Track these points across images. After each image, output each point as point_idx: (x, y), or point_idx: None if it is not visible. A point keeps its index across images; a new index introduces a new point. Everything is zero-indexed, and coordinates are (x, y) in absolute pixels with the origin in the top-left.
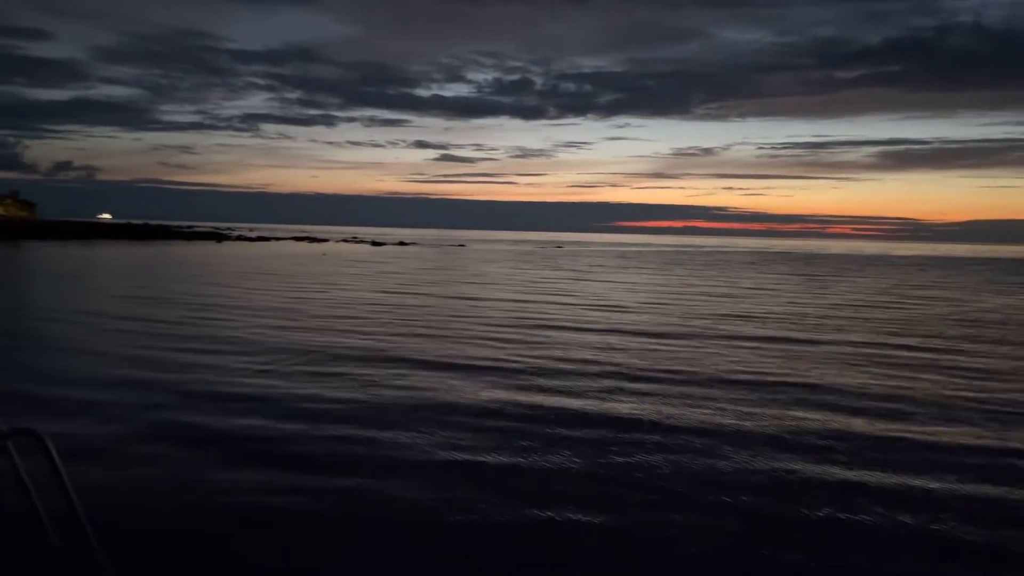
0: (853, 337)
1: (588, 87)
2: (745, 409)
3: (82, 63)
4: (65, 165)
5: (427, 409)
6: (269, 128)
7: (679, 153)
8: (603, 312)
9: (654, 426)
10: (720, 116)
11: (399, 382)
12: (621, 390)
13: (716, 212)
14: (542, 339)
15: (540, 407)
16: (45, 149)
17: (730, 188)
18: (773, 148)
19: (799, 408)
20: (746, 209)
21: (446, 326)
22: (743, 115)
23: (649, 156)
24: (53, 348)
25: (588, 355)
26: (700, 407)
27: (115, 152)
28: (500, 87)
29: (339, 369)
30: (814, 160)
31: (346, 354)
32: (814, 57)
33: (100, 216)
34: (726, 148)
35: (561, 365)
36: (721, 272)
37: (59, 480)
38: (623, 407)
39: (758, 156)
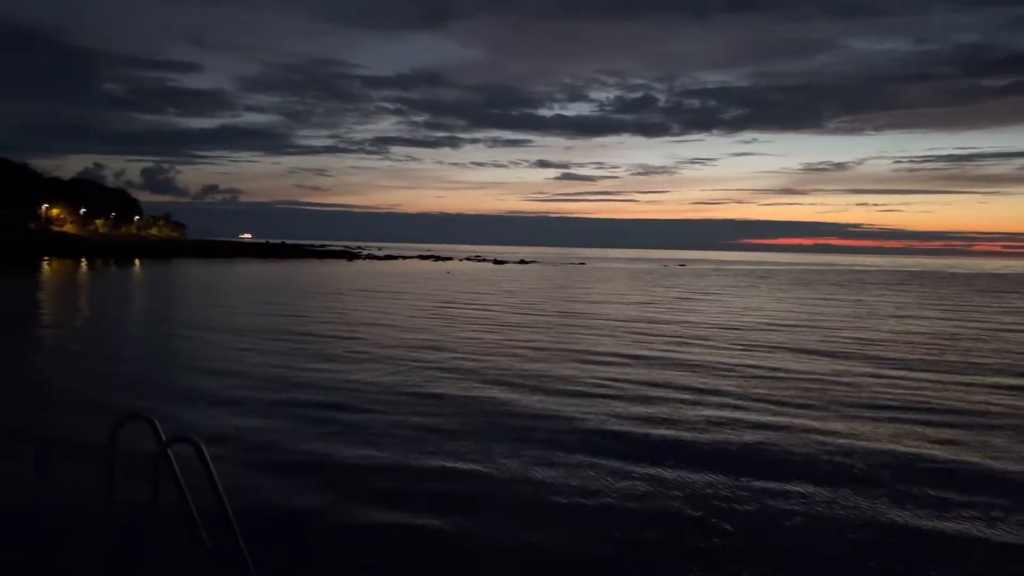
0: (1011, 380)
1: (713, 103)
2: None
3: (228, 93)
4: (212, 188)
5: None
6: (398, 151)
7: (809, 168)
8: (733, 340)
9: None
10: (854, 129)
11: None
12: (757, 450)
13: (850, 229)
14: (658, 380)
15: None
16: (195, 174)
17: (864, 204)
18: (911, 162)
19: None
20: (882, 226)
21: (559, 353)
22: (878, 128)
23: (777, 172)
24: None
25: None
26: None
27: (256, 175)
28: (622, 105)
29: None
30: (958, 173)
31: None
32: (957, 65)
33: (241, 236)
34: (860, 163)
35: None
36: (858, 293)
37: (212, 484)
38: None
39: (895, 170)
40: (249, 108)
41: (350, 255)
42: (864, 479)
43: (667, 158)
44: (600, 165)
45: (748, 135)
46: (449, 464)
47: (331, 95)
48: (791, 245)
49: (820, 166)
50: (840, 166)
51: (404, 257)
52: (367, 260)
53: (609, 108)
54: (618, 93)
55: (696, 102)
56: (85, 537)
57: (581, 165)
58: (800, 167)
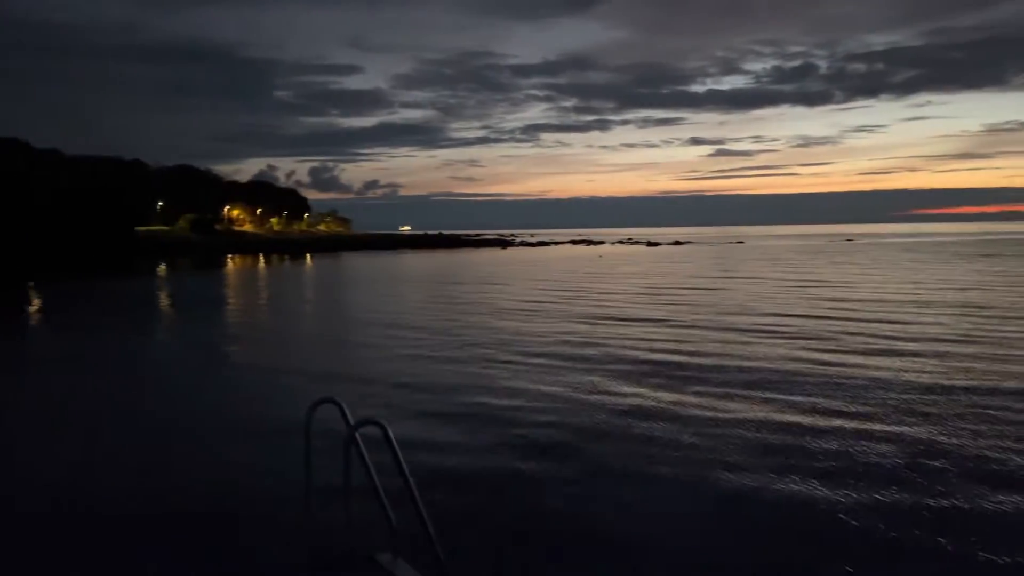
0: None
1: (880, 66)
2: None
3: (385, 91)
4: (373, 184)
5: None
6: (547, 137)
7: (992, 130)
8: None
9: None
10: None
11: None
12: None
13: None
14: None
15: None
16: (357, 171)
17: None
18: None
19: None
20: None
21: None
22: None
23: (955, 135)
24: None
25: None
26: None
27: (413, 170)
28: (780, 75)
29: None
30: None
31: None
32: None
33: (401, 228)
34: None
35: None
36: None
37: (399, 466)
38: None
39: None
40: (405, 105)
41: (504, 243)
42: None
43: (830, 127)
44: (757, 139)
45: (921, 98)
46: None
47: (481, 87)
48: (972, 214)
49: (1005, 126)
50: None
51: (556, 243)
52: (520, 247)
53: (766, 79)
54: (775, 63)
55: (861, 66)
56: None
57: (737, 140)
58: (981, 129)
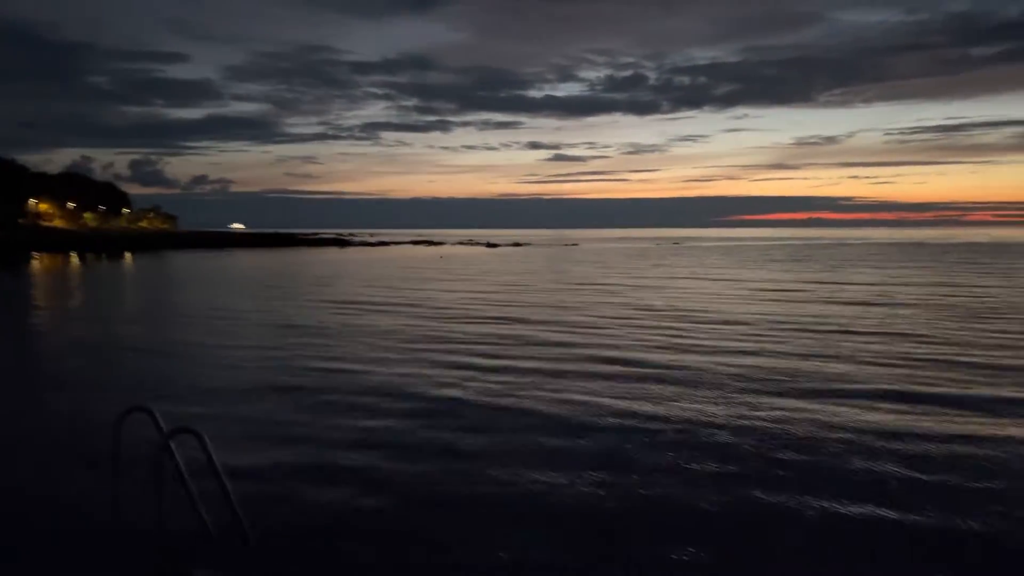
0: None
1: (703, 79)
2: None
3: (215, 82)
4: (201, 179)
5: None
6: (388, 136)
7: (800, 143)
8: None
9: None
10: (844, 102)
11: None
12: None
13: (842, 203)
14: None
15: None
16: (183, 165)
17: (856, 177)
18: (902, 133)
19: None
20: (875, 198)
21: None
22: (868, 100)
23: (768, 147)
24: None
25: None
26: None
27: (246, 165)
28: (612, 84)
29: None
30: (949, 144)
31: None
32: (947, 35)
33: (233, 226)
34: (850, 135)
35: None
36: (879, 267)
37: (215, 473)
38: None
39: (886, 142)
40: (237, 97)
41: (342, 243)
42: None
43: (658, 136)
44: (591, 145)
45: (739, 111)
46: None
47: (319, 82)
48: (784, 220)
49: (811, 140)
50: (831, 139)
51: (397, 243)
52: (360, 247)
53: (599, 87)
54: (608, 72)
55: (686, 79)
56: (94, 531)
57: (572, 145)
58: (791, 142)
